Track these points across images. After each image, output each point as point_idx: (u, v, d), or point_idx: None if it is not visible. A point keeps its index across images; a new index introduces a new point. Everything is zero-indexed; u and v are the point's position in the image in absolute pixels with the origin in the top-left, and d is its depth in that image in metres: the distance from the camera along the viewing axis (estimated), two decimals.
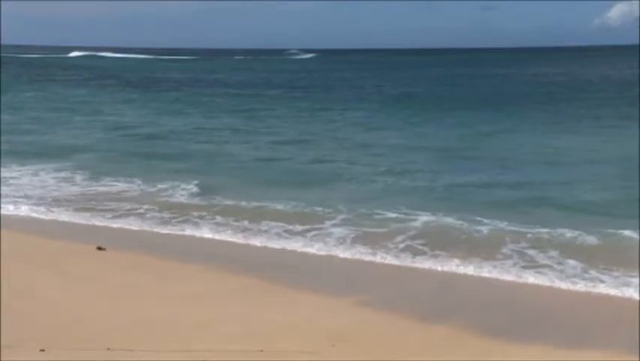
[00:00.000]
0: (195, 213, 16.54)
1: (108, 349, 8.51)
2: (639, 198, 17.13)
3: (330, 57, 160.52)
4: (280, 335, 9.27)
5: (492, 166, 22.63)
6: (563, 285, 11.87)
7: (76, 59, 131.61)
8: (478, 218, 15.57)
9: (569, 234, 14.41)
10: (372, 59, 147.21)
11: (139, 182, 20.12)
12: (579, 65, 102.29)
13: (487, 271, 12.53)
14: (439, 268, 12.74)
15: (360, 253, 13.63)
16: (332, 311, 10.35)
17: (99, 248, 13.47)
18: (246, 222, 15.70)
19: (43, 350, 8.37)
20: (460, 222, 15.36)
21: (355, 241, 14.33)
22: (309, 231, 15.08)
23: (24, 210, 17.00)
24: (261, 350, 8.63)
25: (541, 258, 13.21)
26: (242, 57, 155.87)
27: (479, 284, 12.07)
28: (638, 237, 14.05)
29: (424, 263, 13.03)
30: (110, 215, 16.57)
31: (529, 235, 14.39)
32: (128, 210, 17.06)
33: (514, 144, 27.38)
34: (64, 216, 16.63)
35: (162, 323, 9.57)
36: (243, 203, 17.31)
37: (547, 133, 30.47)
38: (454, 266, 12.77)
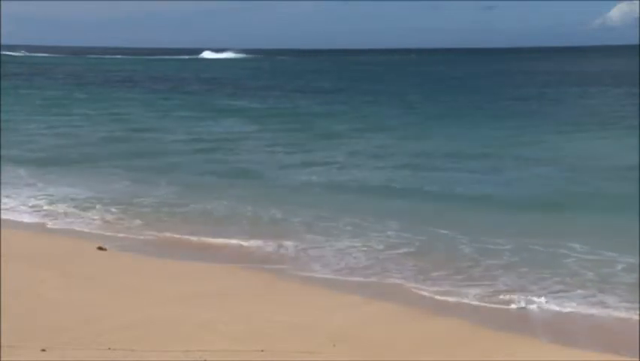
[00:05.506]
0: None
1: (109, 349, 8.52)
2: None
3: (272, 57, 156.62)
4: (281, 334, 9.27)
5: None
6: None
7: None
8: None
9: None
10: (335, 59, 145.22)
11: None
12: (569, 65, 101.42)
13: None
14: None
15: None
16: (333, 311, 10.35)
17: (100, 248, 13.49)
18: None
19: (44, 350, 8.37)
20: None
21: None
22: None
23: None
24: (262, 350, 8.64)
25: None
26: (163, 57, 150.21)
27: None
28: None
29: None
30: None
31: None
32: None
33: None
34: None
35: (163, 323, 9.58)
36: None
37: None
38: None
